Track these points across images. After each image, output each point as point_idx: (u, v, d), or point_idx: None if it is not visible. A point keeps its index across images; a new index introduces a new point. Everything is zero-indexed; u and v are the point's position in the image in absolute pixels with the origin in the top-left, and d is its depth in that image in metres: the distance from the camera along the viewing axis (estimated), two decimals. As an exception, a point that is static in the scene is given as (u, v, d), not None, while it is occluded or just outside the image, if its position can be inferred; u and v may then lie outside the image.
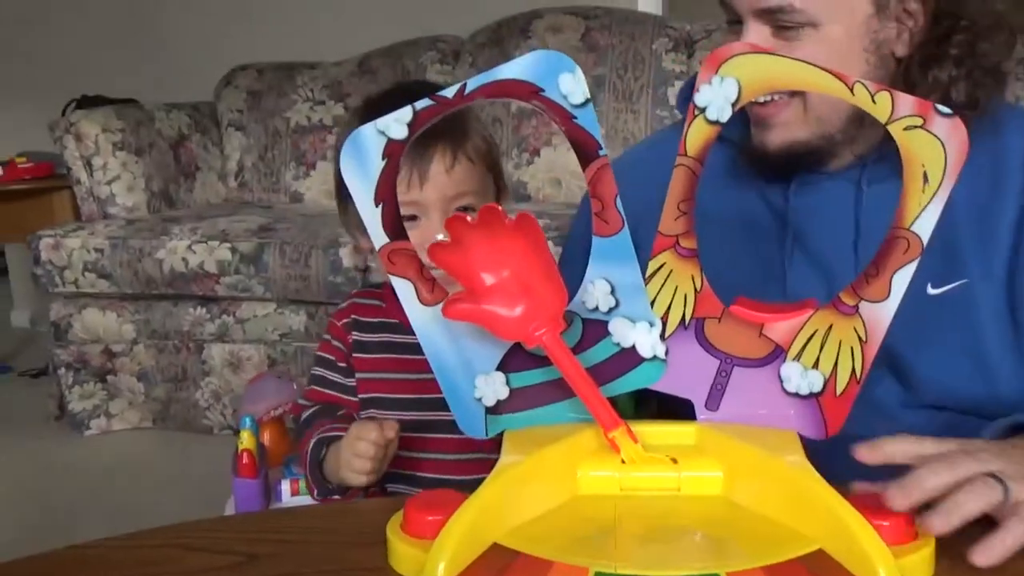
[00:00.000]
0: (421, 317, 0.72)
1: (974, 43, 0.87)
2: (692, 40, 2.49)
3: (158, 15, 3.27)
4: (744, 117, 0.90)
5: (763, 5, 0.86)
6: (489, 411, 0.74)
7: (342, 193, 0.96)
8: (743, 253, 0.72)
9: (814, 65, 0.67)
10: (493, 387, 0.73)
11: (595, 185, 0.69)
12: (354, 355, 1.04)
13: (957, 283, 0.84)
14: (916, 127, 0.66)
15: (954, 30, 0.87)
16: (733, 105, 0.68)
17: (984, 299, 0.86)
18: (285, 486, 1.10)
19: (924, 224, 0.67)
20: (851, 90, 0.66)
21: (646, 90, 2.48)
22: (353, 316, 1.06)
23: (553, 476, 0.69)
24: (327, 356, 1.05)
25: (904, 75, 0.87)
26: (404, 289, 0.71)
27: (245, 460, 1.00)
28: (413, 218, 0.95)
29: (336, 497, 0.97)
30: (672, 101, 2.37)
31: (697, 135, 0.69)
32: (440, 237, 0.73)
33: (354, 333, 1.05)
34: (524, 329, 0.69)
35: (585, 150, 0.69)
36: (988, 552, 0.61)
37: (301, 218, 2.40)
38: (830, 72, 0.67)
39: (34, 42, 3.36)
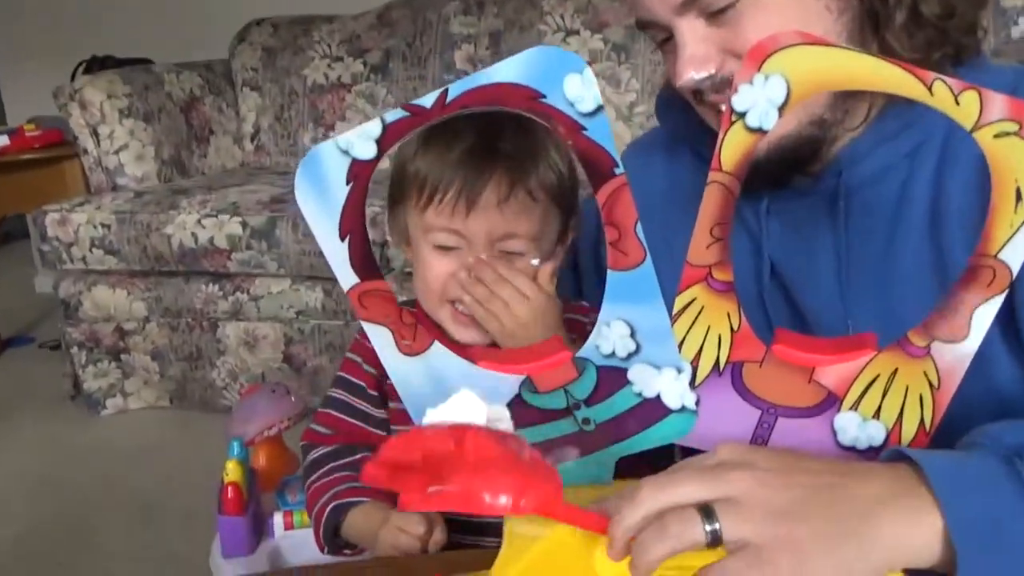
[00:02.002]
0: (401, 370, 0.60)
1: None
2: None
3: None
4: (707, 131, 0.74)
5: None
6: (487, 472, 0.62)
7: (394, 195, 0.85)
8: None
9: (883, 59, 0.54)
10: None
11: (611, 209, 0.57)
12: (389, 382, 0.91)
13: None
14: (1010, 133, 0.52)
15: None
16: (780, 109, 0.55)
17: None
18: (278, 519, 1.00)
19: (1015, 251, 0.54)
20: (929, 89, 0.53)
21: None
22: None
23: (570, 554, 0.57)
24: (355, 381, 0.89)
25: (869, 7, 0.70)
26: (379, 337, 0.60)
27: (230, 495, 0.89)
28: (448, 248, 0.81)
29: (347, 552, 0.86)
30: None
31: (735, 146, 0.56)
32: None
33: None
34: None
35: (598, 168, 0.56)
36: None
37: (317, 186, 2.28)
38: (901, 66, 0.53)
39: (44, 2, 3.25)
